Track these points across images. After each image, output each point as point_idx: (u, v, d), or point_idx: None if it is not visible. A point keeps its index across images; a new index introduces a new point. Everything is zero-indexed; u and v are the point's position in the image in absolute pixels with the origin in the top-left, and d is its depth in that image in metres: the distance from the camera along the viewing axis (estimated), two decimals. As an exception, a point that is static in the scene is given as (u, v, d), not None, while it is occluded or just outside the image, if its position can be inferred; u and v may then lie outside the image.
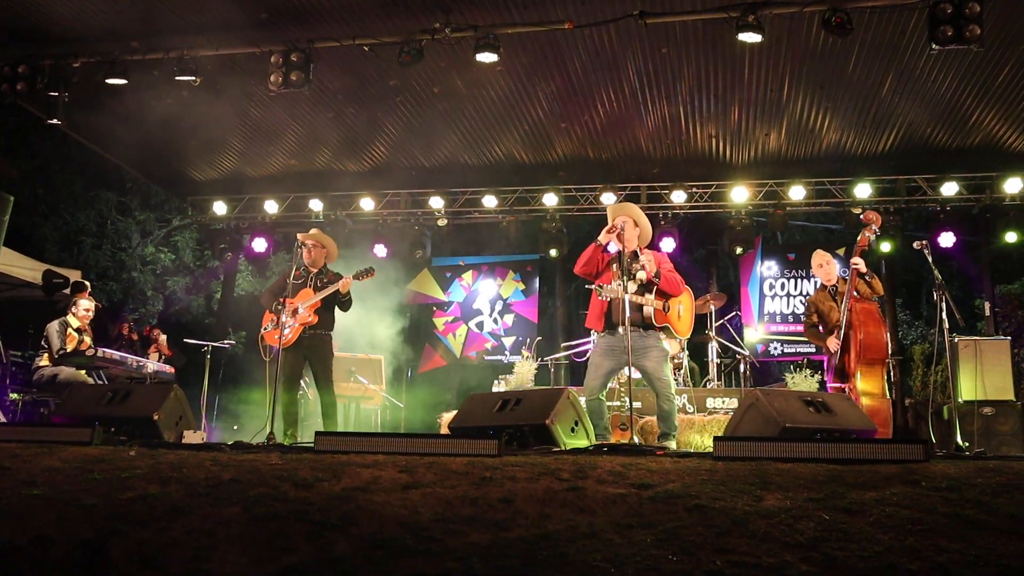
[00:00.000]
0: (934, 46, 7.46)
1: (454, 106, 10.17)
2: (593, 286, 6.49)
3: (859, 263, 6.99)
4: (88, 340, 8.74)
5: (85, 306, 8.88)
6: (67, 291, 10.63)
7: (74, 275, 11.34)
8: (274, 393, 7.10)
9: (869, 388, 6.81)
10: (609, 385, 6.88)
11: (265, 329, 7.66)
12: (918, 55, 8.63)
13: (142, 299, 18.68)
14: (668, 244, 11.91)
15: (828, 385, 7.24)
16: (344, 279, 7.54)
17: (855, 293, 6.99)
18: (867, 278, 7.02)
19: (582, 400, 6.27)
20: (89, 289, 9.59)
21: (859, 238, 7.12)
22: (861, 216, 7.32)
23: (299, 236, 7.84)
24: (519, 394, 6.09)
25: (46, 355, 8.56)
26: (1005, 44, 8.36)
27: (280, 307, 7.36)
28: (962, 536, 3.17)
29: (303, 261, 7.73)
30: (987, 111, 9.85)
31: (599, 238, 6.60)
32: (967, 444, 6.38)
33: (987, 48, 8.02)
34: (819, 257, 7.58)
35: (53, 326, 8.62)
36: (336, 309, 7.76)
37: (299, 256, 7.58)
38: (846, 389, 6.89)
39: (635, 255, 6.61)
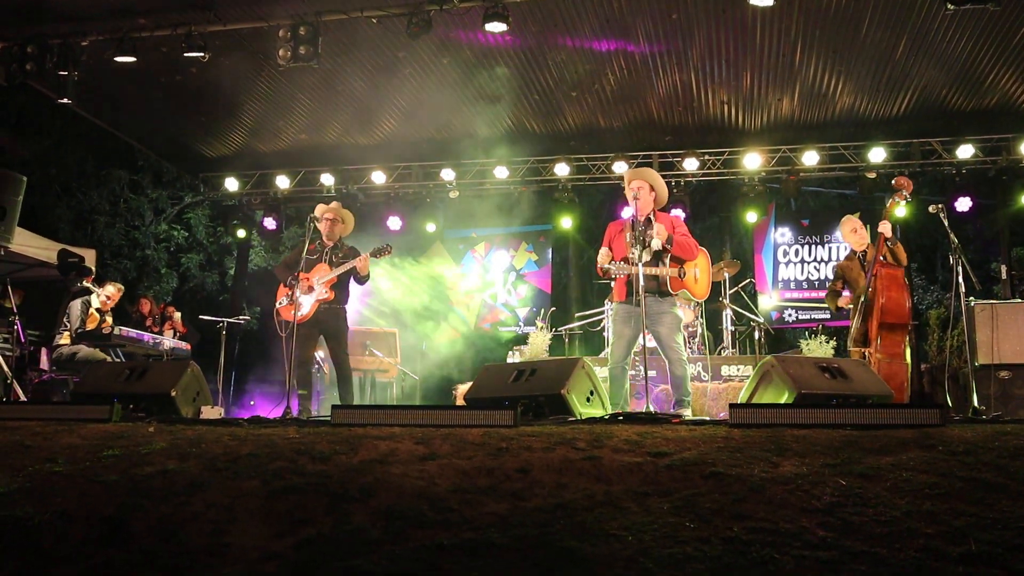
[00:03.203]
0: (949, 6, 7.36)
1: (463, 77, 10.12)
2: (608, 266, 6.46)
3: (886, 228, 6.92)
4: (110, 320, 8.81)
5: (108, 292, 8.94)
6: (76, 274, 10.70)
7: (88, 254, 11.38)
8: (289, 368, 7.12)
9: (888, 351, 6.76)
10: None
11: (280, 304, 7.62)
12: (933, 16, 8.51)
13: (156, 276, 18.77)
14: (679, 213, 11.85)
15: (850, 350, 7.18)
16: (362, 257, 7.44)
17: (881, 258, 6.91)
18: (890, 245, 6.94)
19: (597, 370, 6.27)
20: (93, 274, 9.63)
21: (888, 203, 7.04)
22: (893, 181, 7.24)
23: (317, 209, 7.80)
24: (534, 364, 6.10)
25: (66, 334, 8.64)
26: (1022, 2, 8.23)
27: (295, 281, 7.37)
28: (979, 500, 3.17)
29: (320, 234, 7.67)
30: (1003, 72, 9.73)
31: (600, 262, 6.56)
32: (984, 408, 6.36)
33: (1003, 7, 7.90)
34: (851, 223, 7.44)
35: (76, 304, 8.71)
36: (351, 283, 7.74)
37: (312, 230, 7.54)
38: (866, 354, 6.85)
39: (649, 221, 6.58)
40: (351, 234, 8.06)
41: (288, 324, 7.35)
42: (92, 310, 8.72)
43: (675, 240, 6.49)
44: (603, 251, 6.55)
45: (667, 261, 6.49)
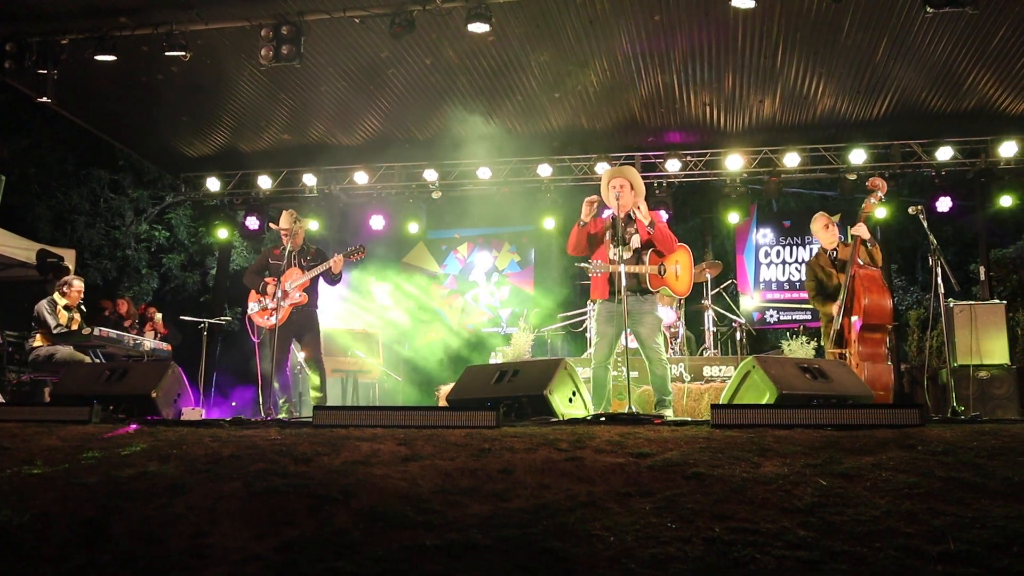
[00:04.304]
0: (928, 9, 7.42)
1: (446, 77, 10.11)
2: (584, 264, 6.49)
3: (862, 230, 6.95)
4: (78, 318, 8.74)
5: (78, 287, 8.87)
6: (52, 275, 10.65)
7: (68, 254, 11.31)
8: (271, 371, 7.14)
9: (871, 353, 6.81)
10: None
11: (251, 310, 7.65)
12: (912, 19, 8.58)
13: (137, 277, 18.65)
14: (662, 215, 11.88)
15: (827, 352, 7.22)
16: (336, 257, 7.50)
17: (858, 261, 6.95)
18: (868, 246, 6.98)
19: (580, 371, 6.29)
20: (72, 271, 9.56)
21: (864, 204, 7.09)
22: (867, 183, 7.29)
23: (272, 227, 7.84)
24: (516, 365, 6.11)
25: (39, 335, 8.55)
26: (999, 6, 8.31)
27: (266, 287, 7.47)
28: (958, 499, 3.19)
29: (287, 246, 7.67)
30: (982, 74, 9.81)
31: (582, 216, 6.56)
32: (963, 408, 6.41)
33: (981, 10, 7.97)
34: (822, 219, 7.49)
35: (42, 305, 8.62)
36: (320, 283, 7.77)
37: (296, 233, 7.58)
38: (846, 355, 6.89)
39: (629, 219, 6.60)
40: (333, 236, 8.07)
41: (262, 329, 7.47)
42: (59, 308, 8.64)
43: (656, 226, 6.53)
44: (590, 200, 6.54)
45: (647, 259, 6.50)
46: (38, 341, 8.56)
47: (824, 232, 7.43)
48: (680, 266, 6.64)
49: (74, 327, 8.60)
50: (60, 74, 9.09)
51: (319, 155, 12.47)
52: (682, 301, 9.30)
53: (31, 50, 8.89)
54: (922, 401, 8.65)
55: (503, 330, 14.03)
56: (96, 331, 8.63)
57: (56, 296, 8.73)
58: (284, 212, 7.87)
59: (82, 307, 8.99)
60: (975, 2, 7.26)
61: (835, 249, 7.30)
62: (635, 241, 6.55)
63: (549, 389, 5.48)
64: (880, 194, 7.06)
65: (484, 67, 9.84)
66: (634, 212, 6.59)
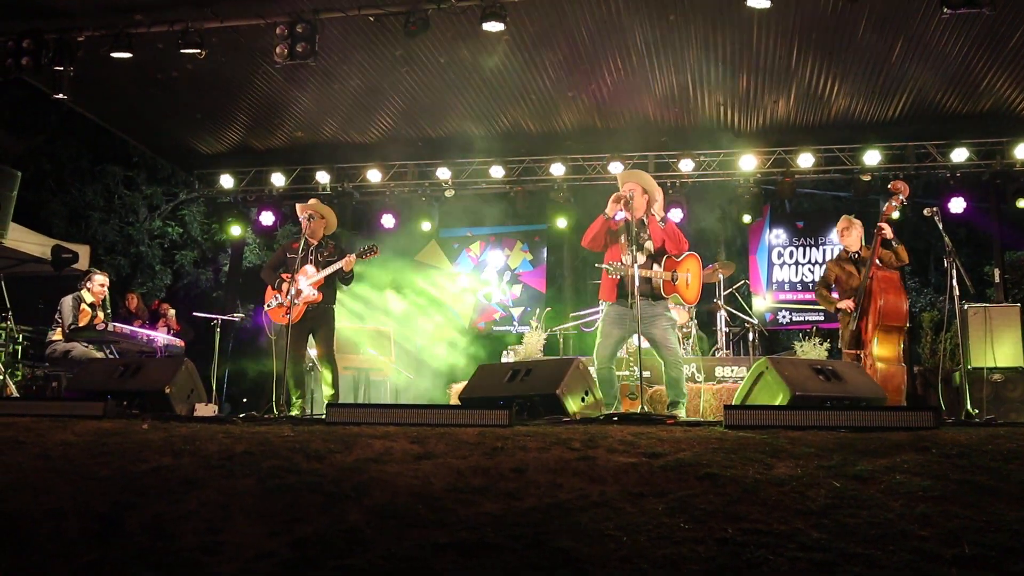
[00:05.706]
0: (945, 10, 7.38)
1: (460, 76, 10.11)
2: (603, 265, 6.51)
3: (885, 229, 6.94)
4: (102, 315, 8.78)
5: (100, 281, 8.91)
6: (75, 266, 10.69)
7: (83, 250, 11.35)
8: (283, 368, 7.16)
9: (884, 354, 6.80)
10: (618, 354, 6.90)
11: (268, 306, 7.68)
12: (928, 20, 8.53)
13: (150, 273, 18.74)
14: (676, 214, 11.84)
15: (843, 352, 7.20)
16: (348, 257, 7.49)
17: (877, 261, 6.94)
18: (893, 244, 6.98)
19: (591, 369, 6.29)
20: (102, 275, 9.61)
21: (885, 206, 7.08)
22: (889, 185, 7.28)
23: (297, 207, 7.84)
24: (529, 364, 6.11)
25: (59, 329, 8.59)
26: (1016, 7, 8.25)
27: (282, 283, 7.45)
28: (973, 503, 3.18)
29: (306, 235, 7.67)
30: (998, 76, 9.75)
31: (606, 210, 6.58)
32: (977, 411, 6.38)
33: (998, 11, 7.91)
34: (844, 221, 7.48)
35: (67, 300, 8.66)
36: (337, 282, 7.78)
37: (316, 220, 7.60)
38: (861, 356, 6.88)
39: (643, 224, 6.60)
40: (345, 231, 8.07)
41: (277, 325, 7.48)
42: (84, 305, 8.68)
43: (668, 223, 6.57)
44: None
45: (661, 264, 6.51)
46: (57, 335, 8.60)
47: (845, 234, 7.43)
48: (691, 274, 6.67)
49: (96, 323, 8.62)
50: (76, 71, 9.13)
51: (332, 153, 12.49)
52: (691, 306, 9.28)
53: (48, 47, 8.93)
54: (936, 404, 8.59)
55: (515, 329, 14.03)
56: (110, 326, 8.67)
57: (83, 293, 8.77)
58: (312, 199, 7.91)
59: (107, 306, 9.03)
60: (992, 3, 7.23)
61: (857, 252, 7.30)
62: (649, 246, 6.55)
63: (562, 388, 5.48)
64: (902, 197, 7.05)
65: (498, 66, 9.83)
66: (647, 215, 6.60)
